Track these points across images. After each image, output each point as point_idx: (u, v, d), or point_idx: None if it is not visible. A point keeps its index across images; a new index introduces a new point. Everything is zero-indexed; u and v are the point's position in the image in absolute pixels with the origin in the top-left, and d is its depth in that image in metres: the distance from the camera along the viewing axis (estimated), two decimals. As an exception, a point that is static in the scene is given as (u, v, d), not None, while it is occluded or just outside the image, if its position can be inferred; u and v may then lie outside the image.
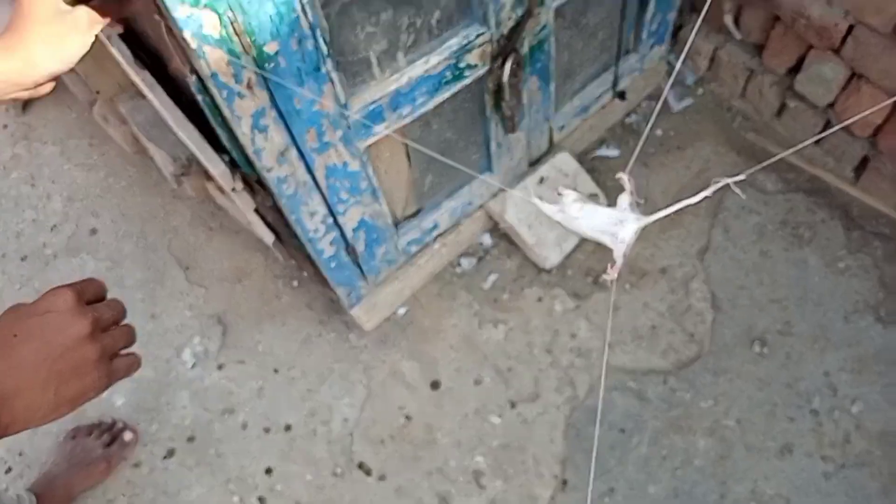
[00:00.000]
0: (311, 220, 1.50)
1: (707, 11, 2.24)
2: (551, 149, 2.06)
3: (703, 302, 2.03)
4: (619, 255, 0.76)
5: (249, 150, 1.27)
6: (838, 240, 2.07)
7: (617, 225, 0.76)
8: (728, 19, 2.17)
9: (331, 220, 1.54)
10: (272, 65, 1.15)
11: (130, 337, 0.80)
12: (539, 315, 2.05)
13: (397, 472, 1.87)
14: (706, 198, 0.72)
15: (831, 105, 2.04)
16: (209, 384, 2.03)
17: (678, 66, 2.33)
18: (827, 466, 1.80)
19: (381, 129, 1.42)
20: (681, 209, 0.75)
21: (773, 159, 0.92)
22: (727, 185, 0.72)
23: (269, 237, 1.90)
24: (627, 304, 2.05)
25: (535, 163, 2.04)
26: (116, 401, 2.03)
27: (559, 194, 0.79)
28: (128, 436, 1.93)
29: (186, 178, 2.04)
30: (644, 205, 0.79)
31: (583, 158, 2.26)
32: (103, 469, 1.89)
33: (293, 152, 1.33)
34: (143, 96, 1.99)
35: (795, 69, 2.07)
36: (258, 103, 1.20)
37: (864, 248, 2.05)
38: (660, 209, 0.77)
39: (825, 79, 1.99)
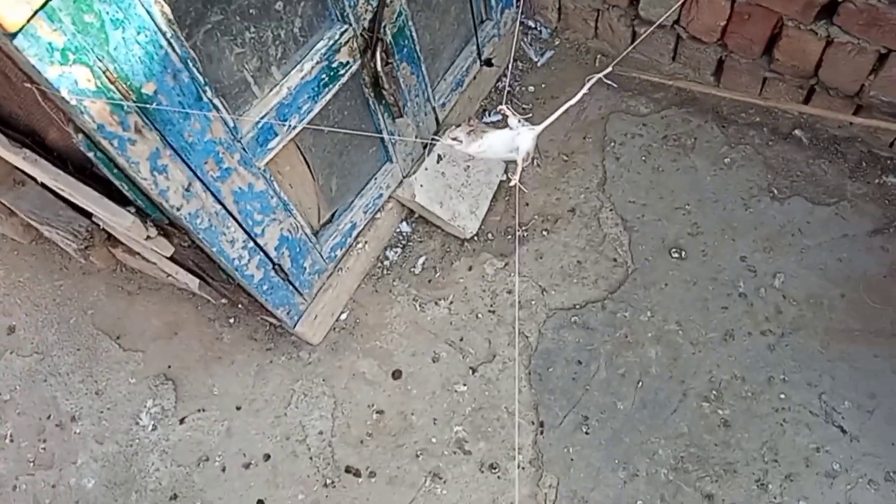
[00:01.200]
0: (232, 249, 1.53)
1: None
2: (440, 127, 2.15)
3: (616, 227, 2.17)
4: (519, 159, 0.87)
5: (154, 194, 1.30)
6: (717, 139, 2.25)
7: (516, 139, 0.86)
8: (565, -32, 2.31)
9: (251, 243, 1.58)
10: (154, 104, 1.19)
11: None
12: (474, 282, 2.14)
13: (384, 464, 1.92)
14: (584, 95, 0.82)
15: (676, 21, 2.21)
16: (175, 440, 2.02)
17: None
18: (768, 339, 1.95)
19: (275, 144, 1.47)
20: (562, 113, 0.84)
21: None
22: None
23: (193, 282, 1.91)
24: (549, 248, 2.16)
25: (426, 145, 2.12)
26: (86, 484, 1.99)
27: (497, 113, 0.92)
28: None
29: (92, 250, 2.02)
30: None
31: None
32: None
33: (198, 185, 1.36)
34: (24, 184, 1.97)
35: (637, -2, 2.23)
36: (151, 145, 1.23)
37: (742, 139, 2.23)
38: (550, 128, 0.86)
39: (664, -2, 2.16)
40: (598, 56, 2.47)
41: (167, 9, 1.13)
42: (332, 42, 1.47)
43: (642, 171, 2.24)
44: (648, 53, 2.37)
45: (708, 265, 2.07)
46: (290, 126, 1.48)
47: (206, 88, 1.26)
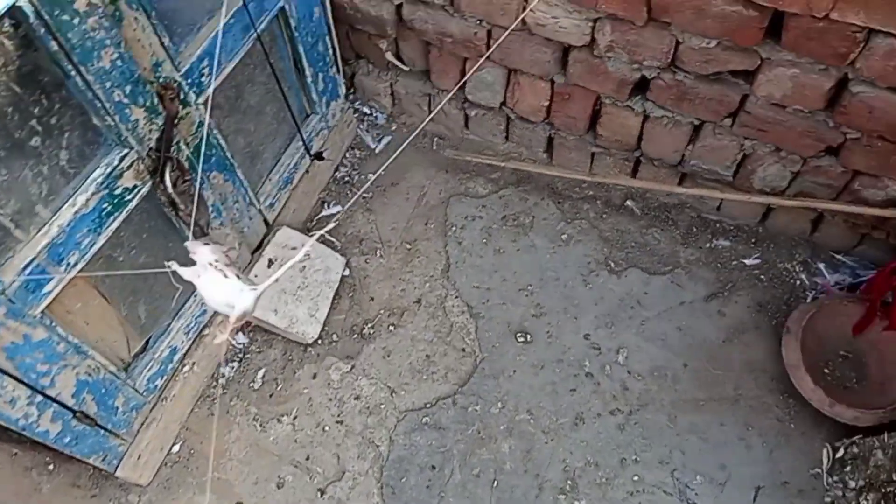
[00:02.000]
0: (13, 410, 1.34)
1: (369, 56, 2.35)
2: (270, 227, 2.04)
3: (462, 315, 2.11)
4: (232, 317, 0.79)
5: None
6: (554, 216, 2.26)
7: (237, 295, 0.78)
8: (389, 56, 2.29)
9: (39, 398, 1.39)
10: None
11: None
12: (319, 391, 2.01)
13: None
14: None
15: (503, 104, 2.22)
16: None
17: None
18: (617, 419, 1.93)
19: (51, 287, 1.31)
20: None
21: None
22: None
23: (-8, 434, 1.68)
24: (397, 345, 2.07)
25: (257, 248, 2.00)
26: None
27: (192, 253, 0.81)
28: None
29: None
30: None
31: (310, 225, 2.26)
32: None
33: (-48, 349, 1.18)
34: None
35: (464, 83, 2.23)
36: None
37: (577, 214, 2.25)
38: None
39: (488, 83, 2.17)
40: (436, 139, 2.45)
41: None
42: (111, 169, 1.34)
43: (484, 253, 2.21)
44: (482, 134, 2.38)
45: (554, 347, 2.05)
46: (68, 265, 1.32)
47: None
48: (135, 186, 1.41)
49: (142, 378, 1.69)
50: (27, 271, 1.24)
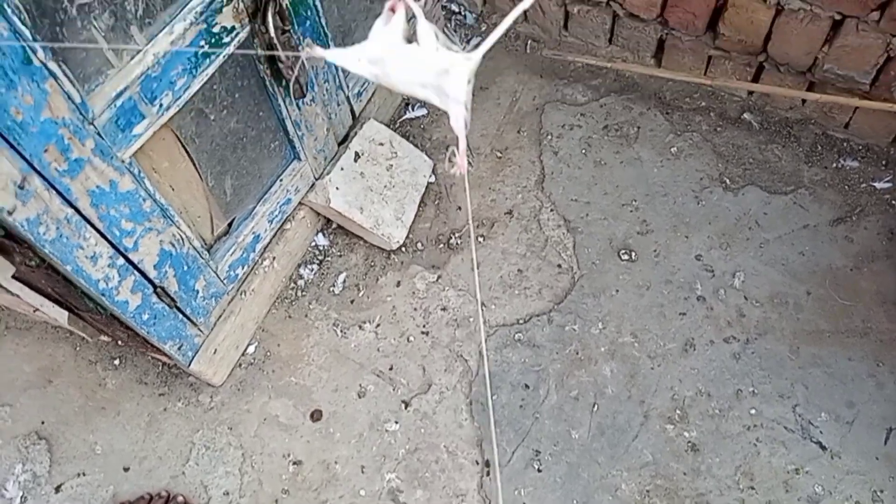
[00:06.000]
0: (94, 268, 1.19)
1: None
2: (356, 121, 1.87)
3: (558, 229, 1.93)
4: (458, 119, 0.57)
5: (-29, 194, 0.96)
6: (662, 127, 2.05)
7: (442, 76, 0.56)
8: (487, -53, 2.09)
9: (121, 260, 1.24)
10: (-43, 69, 0.86)
11: None
12: (403, 300, 1.85)
13: (304, 525, 1.59)
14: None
15: (612, -1, 2.01)
16: (48, 514, 1.64)
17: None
18: (732, 347, 1.74)
19: (142, 129, 1.15)
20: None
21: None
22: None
23: (61, 316, 1.55)
24: (487, 257, 1.90)
25: (343, 140, 1.83)
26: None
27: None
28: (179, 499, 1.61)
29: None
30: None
31: (392, 126, 2.09)
32: None
33: (36, 181, 1.03)
34: None
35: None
36: (-43, 126, 0.90)
37: (688, 127, 2.05)
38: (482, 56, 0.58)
39: (599, -27, 1.96)
40: (529, 41, 2.25)
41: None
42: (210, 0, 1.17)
43: (583, 165, 2.02)
44: (583, 36, 2.17)
45: (661, 267, 1.86)
46: (161, 106, 1.16)
47: (37, 47, 0.94)
48: (233, 28, 1.24)
49: (224, 263, 1.55)
50: (119, 101, 1.08)
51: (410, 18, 0.58)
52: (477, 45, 0.56)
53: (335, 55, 0.58)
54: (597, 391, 1.71)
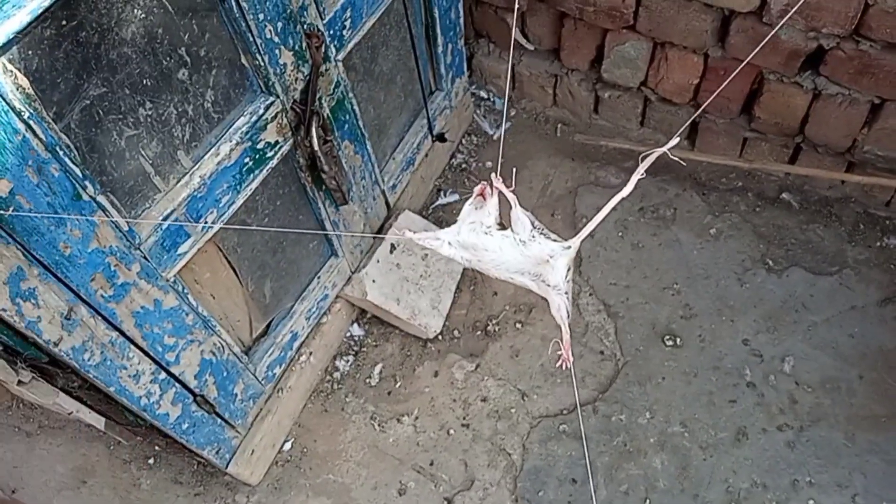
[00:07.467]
0: (137, 386, 1.18)
1: (490, 33, 2.18)
2: (391, 212, 1.87)
3: (599, 314, 1.89)
4: (561, 309, 0.56)
5: (20, 327, 0.96)
6: (699, 208, 2.03)
7: (541, 264, 0.55)
8: (516, 32, 2.11)
9: (163, 375, 1.23)
10: (11, 210, 0.86)
11: None
12: (442, 390, 1.81)
13: None
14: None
15: (643, 83, 2.02)
16: None
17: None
18: (786, 435, 1.68)
19: (187, 248, 1.15)
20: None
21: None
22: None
23: (98, 421, 1.53)
24: (525, 344, 1.87)
25: (378, 231, 1.83)
26: None
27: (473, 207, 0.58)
28: None
29: (-26, 386, 1.63)
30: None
31: (424, 212, 2.09)
32: None
33: (83, 310, 1.02)
34: None
35: (597, 60, 2.04)
36: (9, 264, 0.90)
37: (726, 207, 2.02)
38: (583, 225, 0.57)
39: (630, 58, 1.96)
40: (559, 125, 2.25)
41: (24, 80, 0.83)
42: (255, 118, 1.18)
43: (621, 248, 1.99)
44: (614, 119, 2.17)
45: (707, 352, 1.81)
46: (206, 225, 1.16)
47: (87, 183, 0.94)
48: (276, 143, 1.25)
49: (262, 364, 1.53)
50: (165, 224, 1.08)
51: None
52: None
53: (425, 238, 0.58)
54: (648, 485, 1.65)
